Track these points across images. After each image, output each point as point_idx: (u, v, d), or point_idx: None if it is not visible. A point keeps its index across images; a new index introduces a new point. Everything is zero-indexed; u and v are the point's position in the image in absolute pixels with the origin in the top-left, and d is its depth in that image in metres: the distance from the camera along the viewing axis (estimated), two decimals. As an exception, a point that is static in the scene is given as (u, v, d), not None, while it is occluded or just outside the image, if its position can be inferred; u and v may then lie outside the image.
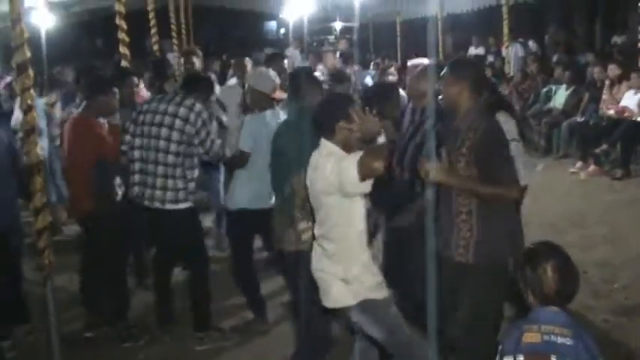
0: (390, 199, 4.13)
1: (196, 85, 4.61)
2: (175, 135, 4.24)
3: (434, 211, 3.20)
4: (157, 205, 4.32)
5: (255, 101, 4.59)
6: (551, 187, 7.83)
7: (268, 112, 4.49)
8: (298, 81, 4.07)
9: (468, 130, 3.17)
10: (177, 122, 4.25)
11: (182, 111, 4.26)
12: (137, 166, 4.39)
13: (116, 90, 4.61)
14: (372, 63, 17.35)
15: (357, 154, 2.99)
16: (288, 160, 3.73)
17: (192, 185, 4.39)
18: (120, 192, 4.57)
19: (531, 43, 15.25)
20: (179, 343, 4.53)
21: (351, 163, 2.96)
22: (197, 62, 6.67)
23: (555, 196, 7.49)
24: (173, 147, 4.25)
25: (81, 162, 4.43)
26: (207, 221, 6.12)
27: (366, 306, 3.13)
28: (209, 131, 4.36)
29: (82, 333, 4.62)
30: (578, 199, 7.40)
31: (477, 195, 3.16)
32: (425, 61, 6.14)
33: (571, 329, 2.27)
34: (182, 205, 4.33)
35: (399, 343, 3.22)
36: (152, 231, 4.75)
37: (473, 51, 15.06)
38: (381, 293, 3.19)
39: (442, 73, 3.35)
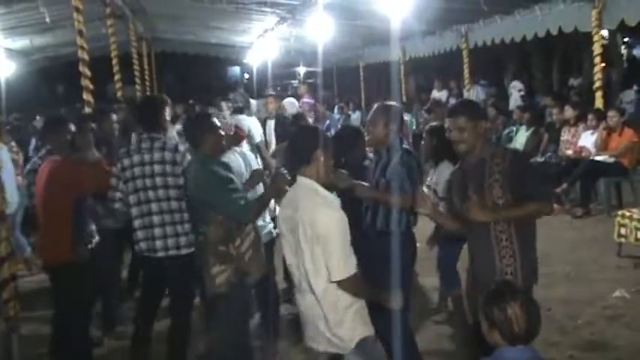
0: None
1: (156, 121, 4.44)
2: (171, 180, 4.19)
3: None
4: (160, 254, 4.21)
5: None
6: (514, 226, 7.94)
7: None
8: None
9: (494, 157, 3.30)
10: (168, 168, 4.20)
11: (168, 155, 4.21)
12: (139, 222, 4.25)
13: (71, 128, 4.57)
14: (335, 106, 17.62)
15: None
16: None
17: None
18: (94, 239, 4.53)
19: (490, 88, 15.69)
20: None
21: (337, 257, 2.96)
22: (167, 110, 6.63)
23: (519, 235, 7.60)
24: (172, 193, 4.19)
25: (58, 207, 4.33)
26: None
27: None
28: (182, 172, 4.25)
29: None
30: (541, 237, 7.36)
31: (518, 218, 3.25)
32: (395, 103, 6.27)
33: None
34: (184, 251, 4.24)
35: None
36: (151, 280, 4.57)
37: (435, 94, 15.38)
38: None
39: (451, 117, 3.40)
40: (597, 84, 9.00)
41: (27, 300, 5.84)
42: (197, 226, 3.87)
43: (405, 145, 4.11)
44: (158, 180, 4.19)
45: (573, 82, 16.28)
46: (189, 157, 4.22)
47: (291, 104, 9.56)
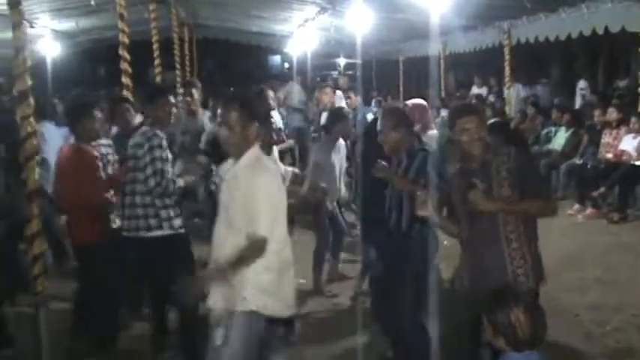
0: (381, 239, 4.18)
1: (152, 105, 4.50)
2: (141, 164, 4.31)
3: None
4: (142, 234, 4.34)
5: None
6: (548, 228, 7.69)
7: None
8: None
9: (498, 156, 3.30)
10: (139, 151, 4.32)
11: (139, 139, 4.34)
12: (127, 199, 4.45)
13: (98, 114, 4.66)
14: (373, 100, 17.54)
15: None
16: None
17: (170, 212, 4.37)
18: (117, 222, 4.62)
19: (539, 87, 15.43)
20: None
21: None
22: (196, 94, 6.70)
23: (552, 237, 7.42)
24: (141, 175, 4.32)
25: (85, 191, 4.43)
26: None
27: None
28: (154, 159, 4.27)
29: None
30: (575, 241, 7.38)
31: (524, 212, 3.25)
32: (421, 101, 6.22)
33: None
34: (164, 232, 4.33)
35: None
36: (140, 261, 4.66)
37: (475, 90, 15.19)
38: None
39: (464, 116, 3.37)
40: (643, 86, 8.78)
41: (55, 277, 6.01)
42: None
43: (424, 146, 4.11)
44: (135, 162, 4.35)
45: (619, 83, 15.88)
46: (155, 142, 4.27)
47: (340, 98, 9.58)
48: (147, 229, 4.33)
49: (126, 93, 7.38)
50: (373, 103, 17.37)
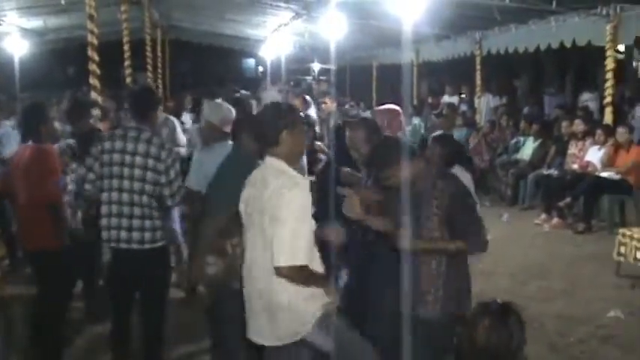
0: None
1: (148, 114, 4.27)
2: (150, 175, 4.05)
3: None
4: (135, 246, 4.13)
5: (206, 134, 4.58)
6: (515, 237, 7.91)
7: (217, 145, 4.45)
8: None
9: (434, 190, 3.29)
10: (150, 162, 4.05)
11: (153, 150, 4.06)
12: (107, 209, 4.14)
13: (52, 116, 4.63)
14: (347, 105, 17.57)
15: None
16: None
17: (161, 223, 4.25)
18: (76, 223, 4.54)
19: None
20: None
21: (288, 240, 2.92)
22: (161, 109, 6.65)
23: (519, 247, 7.57)
24: (148, 188, 4.07)
25: (40, 195, 4.34)
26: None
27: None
28: (177, 173, 4.14)
29: None
30: (541, 251, 7.47)
31: (444, 252, 3.31)
32: (391, 106, 6.22)
33: None
34: (147, 246, 4.14)
35: None
36: (122, 272, 4.42)
37: (446, 99, 15.30)
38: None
39: None
40: (607, 99, 8.94)
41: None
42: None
43: None
44: (137, 172, 4.06)
45: (586, 96, 16.14)
46: (183, 151, 4.20)
47: (309, 104, 9.55)
48: (140, 242, 4.13)
49: (94, 94, 7.32)
50: (347, 106, 17.43)
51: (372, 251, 4.05)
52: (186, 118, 12.19)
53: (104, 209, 4.15)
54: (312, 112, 10.44)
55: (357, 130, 4.13)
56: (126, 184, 4.06)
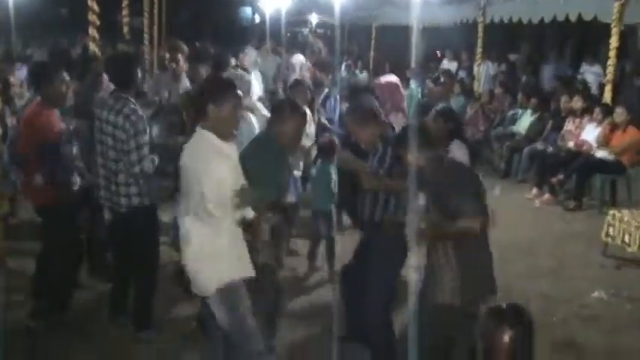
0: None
1: (125, 78, 4.40)
2: (119, 145, 4.24)
3: None
4: (117, 208, 4.39)
5: None
6: (505, 212, 7.89)
7: None
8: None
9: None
10: (117, 132, 4.24)
11: (120, 120, 4.22)
12: (101, 171, 4.43)
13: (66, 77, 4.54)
14: (343, 64, 17.39)
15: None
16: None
17: (145, 187, 4.35)
18: (77, 181, 4.55)
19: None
20: (121, 339, 4.51)
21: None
22: (181, 59, 6.49)
23: (509, 222, 7.49)
24: (123, 156, 4.25)
25: (36, 151, 4.37)
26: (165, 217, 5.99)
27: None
28: (139, 144, 4.22)
29: (25, 322, 4.57)
30: (530, 227, 7.51)
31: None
32: (391, 79, 6.18)
33: None
34: (145, 205, 4.36)
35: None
36: (114, 232, 4.71)
37: (445, 65, 15.16)
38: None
39: None
40: (608, 77, 8.90)
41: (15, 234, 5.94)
42: None
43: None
44: (111, 141, 4.27)
45: (586, 68, 16.03)
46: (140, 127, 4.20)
47: (300, 62, 9.32)
48: (127, 206, 4.34)
49: (92, 45, 7.21)
50: (343, 67, 17.24)
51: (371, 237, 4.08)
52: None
53: (98, 171, 4.45)
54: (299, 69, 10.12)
55: (352, 117, 4.11)
56: (111, 153, 4.31)
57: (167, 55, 6.90)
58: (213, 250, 3.21)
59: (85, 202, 4.83)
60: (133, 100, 4.35)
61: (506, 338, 2.25)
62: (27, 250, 5.06)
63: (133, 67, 4.49)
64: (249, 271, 3.33)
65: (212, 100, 3.17)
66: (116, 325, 4.65)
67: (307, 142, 5.65)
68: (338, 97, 7.45)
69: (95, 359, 4.34)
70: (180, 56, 6.54)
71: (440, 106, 5.13)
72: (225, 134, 3.23)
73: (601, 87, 10.22)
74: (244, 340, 3.30)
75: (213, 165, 3.12)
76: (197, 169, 3.15)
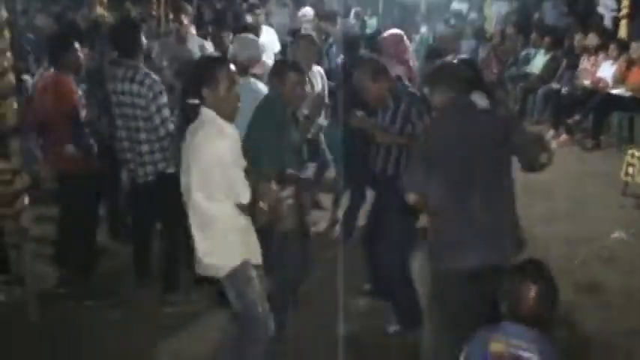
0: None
1: (131, 46, 4.42)
2: (139, 113, 4.29)
3: None
4: (143, 178, 4.44)
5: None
6: (522, 154, 7.90)
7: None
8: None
9: None
10: (136, 100, 4.28)
11: (135, 88, 4.26)
12: (120, 145, 4.49)
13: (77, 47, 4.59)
14: (352, 11, 17.07)
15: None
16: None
17: (170, 152, 4.38)
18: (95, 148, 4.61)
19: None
20: (149, 303, 4.59)
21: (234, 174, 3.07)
22: (185, 20, 6.39)
23: (525, 165, 7.57)
24: (142, 124, 4.32)
25: (60, 118, 4.44)
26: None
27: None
28: (159, 106, 4.27)
29: (55, 289, 4.70)
30: (547, 169, 7.45)
31: None
32: (396, 32, 6.02)
33: (538, 345, 2.31)
34: (169, 172, 4.35)
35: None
36: (138, 198, 4.76)
37: (455, 5, 14.85)
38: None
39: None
40: (624, 11, 8.70)
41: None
42: None
43: (409, 89, 4.09)
44: (130, 111, 4.32)
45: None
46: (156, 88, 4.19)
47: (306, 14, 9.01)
48: (153, 173, 4.41)
49: (100, 9, 7.20)
50: (352, 15, 16.95)
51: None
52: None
53: (119, 145, 4.51)
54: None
55: (362, 71, 4.05)
56: (131, 123, 4.36)
57: (170, 16, 6.85)
58: (215, 234, 3.19)
59: (104, 167, 4.85)
60: (142, 66, 4.38)
61: (531, 294, 2.32)
62: (50, 218, 5.11)
63: (137, 33, 4.49)
64: (254, 256, 3.29)
65: (206, 84, 3.11)
66: (142, 287, 4.74)
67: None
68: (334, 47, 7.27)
69: (123, 322, 4.43)
70: (184, 17, 6.46)
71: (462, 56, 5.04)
72: (227, 114, 3.17)
73: (615, 21, 9.98)
74: (250, 326, 3.28)
75: (216, 144, 3.07)
76: (198, 145, 3.10)
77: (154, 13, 10.83)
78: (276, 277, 3.72)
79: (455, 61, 4.65)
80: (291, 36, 9.78)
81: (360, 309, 4.54)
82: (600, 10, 12.16)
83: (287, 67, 3.95)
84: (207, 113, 3.14)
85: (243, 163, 3.19)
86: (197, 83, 3.14)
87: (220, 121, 3.14)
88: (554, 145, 8.34)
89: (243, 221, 3.22)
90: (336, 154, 5.68)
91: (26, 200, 4.22)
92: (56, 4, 12.35)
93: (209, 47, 6.58)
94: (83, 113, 4.58)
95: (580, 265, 5.14)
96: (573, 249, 5.39)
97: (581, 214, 6.17)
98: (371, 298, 4.55)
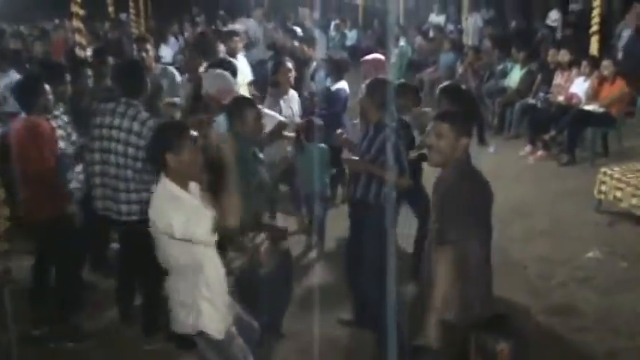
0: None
1: (135, 86, 4.42)
2: (131, 151, 4.23)
3: None
4: (117, 217, 4.38)
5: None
6: (500, 171, 7.98)
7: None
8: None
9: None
10: (132, 138, 4.22)
11: (136, 126, 4.22)
12: (98, 180, 4.40)
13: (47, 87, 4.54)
14: (332, 23, 17.25)
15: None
16: None
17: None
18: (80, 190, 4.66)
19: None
20: (129, 342, 4.59)
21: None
22: (150, 49, 6.52)
23: (504, 181, 7.67)
24: (130, 162, 4.25)
25: (42, 164, 4.39)
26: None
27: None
28: None
29: (30, 331, 4.61)
30: (525, 186, 7.66)
31: None
32: (378, 57, 6.25)
33: None
34: (134, 211, 4.32)
35: None
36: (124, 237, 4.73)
37: (434, 19, 15.08)
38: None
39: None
40: (594, 28, 8.94)
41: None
42: None
43: (393, 123, 4.23)
44: (120, 147, 4.25)
45: (574, 6, 15.91)
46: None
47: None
48: (127, 214, 4.34)
49: (78, 38, 7.25)
50: (332, 27, 17.13)
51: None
52: (166, 51, 11.93)
53: (96, 180, 4.42)
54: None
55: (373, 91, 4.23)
56: (112, 158, 4.29)
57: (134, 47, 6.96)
58: (186, 299, 3.19)
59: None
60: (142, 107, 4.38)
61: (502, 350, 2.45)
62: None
63: (143, 75, 4.54)
64: (226, 322, 3.28)
65: (169, 149, 3.05)
66: (124, 322, 4.76)
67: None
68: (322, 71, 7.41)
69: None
70: (148, 46, 6.59)
71: (444, 84, 4.97)
72: (192, 176, 3.16)
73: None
74: None
75: (169, 216, 3.00)
76: (153, 219, 3.11)
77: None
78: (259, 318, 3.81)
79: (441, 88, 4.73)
80: (272, 49, 9.96)
81: (342, 339, 4.62)
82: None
83: (243, 104, 4.18)
84: (163, 184, 3.11)
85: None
86: (160, 149, 3.09)
87: (176, 189, 3.09)
88: (531, 160, 8.56)
89: (218, 285, 3.21)
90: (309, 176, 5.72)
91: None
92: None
93: (177, 76, 6.64)
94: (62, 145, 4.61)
95: (557, 286, 5.30)
96: (549, 270, 5.56)
97: (557, 233, 6.33)
98: (354, 329, 4.65)
